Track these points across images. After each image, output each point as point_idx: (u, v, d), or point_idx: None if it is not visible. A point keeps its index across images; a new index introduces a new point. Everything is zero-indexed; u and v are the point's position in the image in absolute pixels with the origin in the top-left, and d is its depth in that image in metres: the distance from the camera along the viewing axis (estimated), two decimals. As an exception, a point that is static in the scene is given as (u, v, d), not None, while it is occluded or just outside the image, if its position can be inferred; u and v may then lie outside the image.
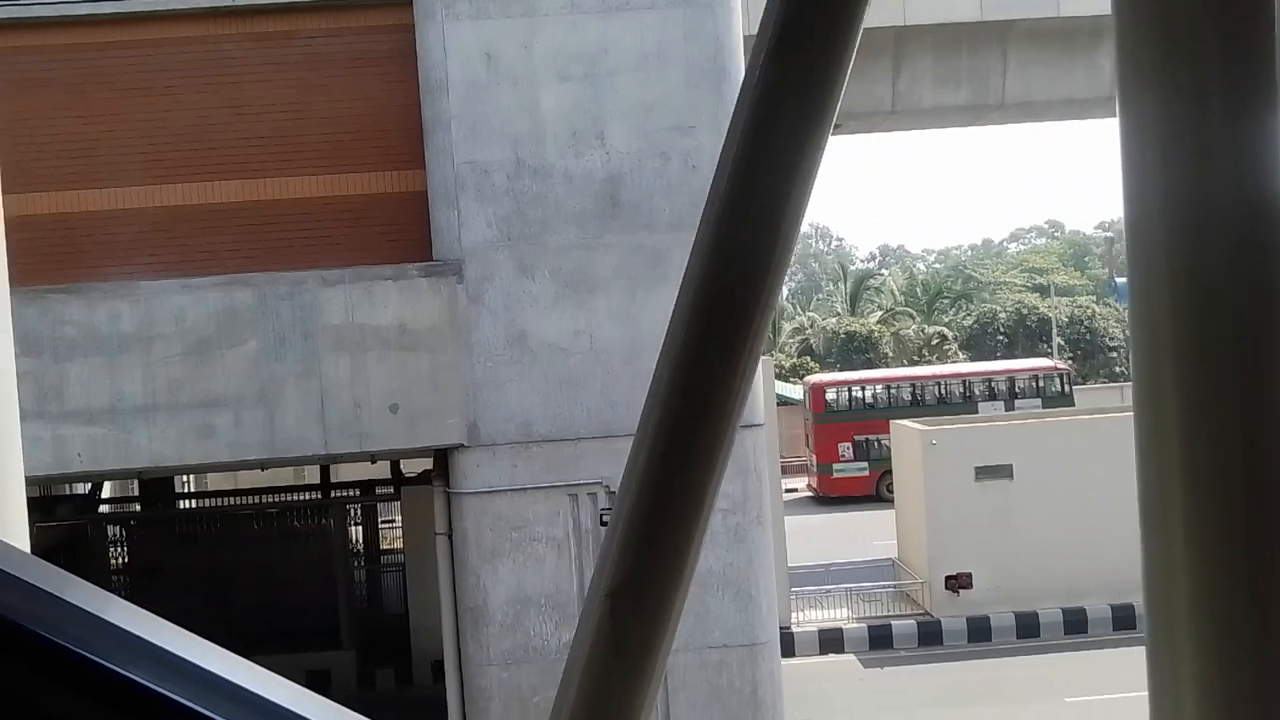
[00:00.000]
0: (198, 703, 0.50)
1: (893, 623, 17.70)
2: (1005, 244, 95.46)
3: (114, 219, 7.96)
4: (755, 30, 0.60)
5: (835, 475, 28.33)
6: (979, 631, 17.58)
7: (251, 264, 7.94)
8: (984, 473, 17.61)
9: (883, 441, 28.21)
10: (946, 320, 47.60)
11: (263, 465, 7.96)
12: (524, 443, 7.80)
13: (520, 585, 7.79)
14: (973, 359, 42.12)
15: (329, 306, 7.71)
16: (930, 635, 17.56)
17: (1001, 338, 43.20)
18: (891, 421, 20.99)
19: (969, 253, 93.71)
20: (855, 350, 41.92)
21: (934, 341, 43.77)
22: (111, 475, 7.81)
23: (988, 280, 63.57)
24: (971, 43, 23.11)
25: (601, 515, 7.76)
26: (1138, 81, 0.57)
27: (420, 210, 8.04)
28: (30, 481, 8.55)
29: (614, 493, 7.79)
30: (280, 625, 16.07)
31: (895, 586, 18.61)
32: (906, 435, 18.87)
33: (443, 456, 8.43)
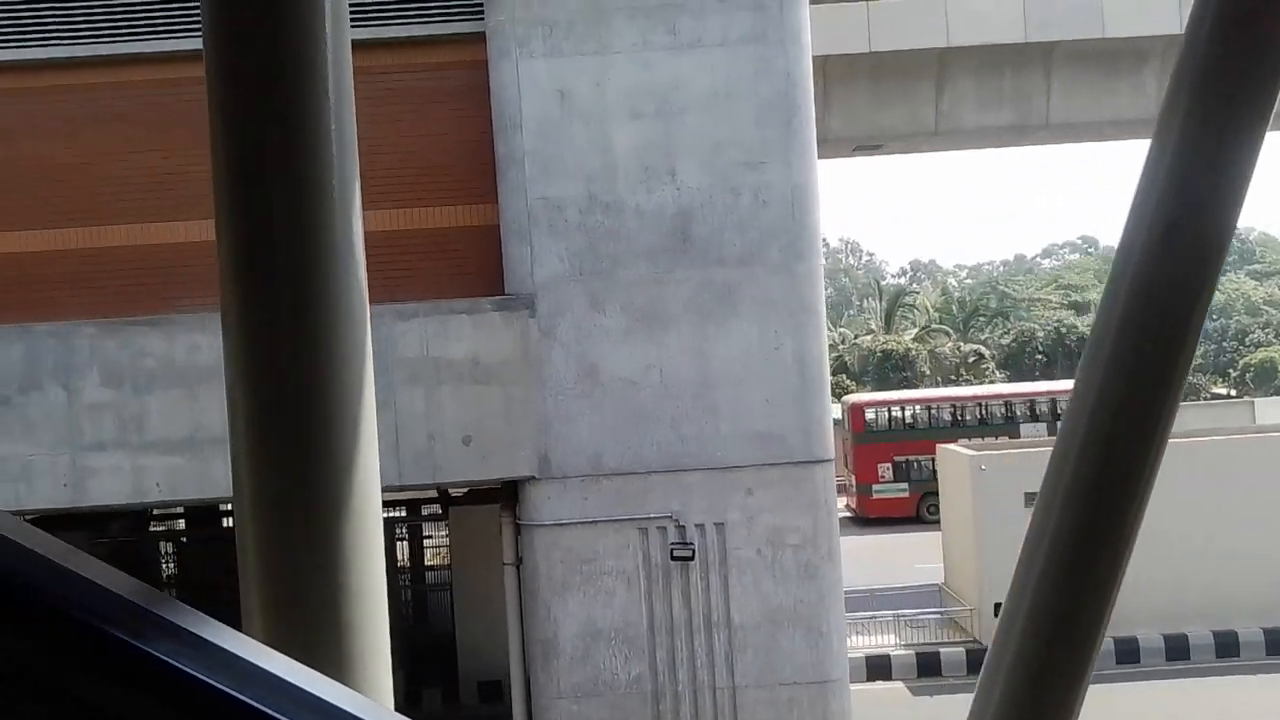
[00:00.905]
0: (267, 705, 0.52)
1: (941, 650, 17.54)
2: (1038, 259, 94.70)
3: (190, 251, 8.10)
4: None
5: (875, 496, 28.17)
6: (1028, 659, 17.36)
7: (326, 297, 8.05)
8: (1034, 499, 17.38)
9: (923, 462, 28.04)
10: (983, 338, 47.25)
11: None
12: (594, 476, 7.84)
13: (590, 618, 7.82)
14: (1010, 378, 41.78)
15: (404, 340, 7.80)
16: (979, 663, 17.32)
17: (1040, 356, 42.82)
18: (938, 446, 20.86)
19: (1001, 268, 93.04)
20: (892, 368, 41.67)
21: (971, 360, 43.48)
22: (188, 505, 7.92)
23: (1022, 297, 63.07)
24: (1015, 64, 23.03)
25: (672, 549, 7.78)
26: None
27: (492, 244, 8.12)
28: (106, 510, 8.66)
29: (683, 526, 7.82)
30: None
31: (943, 613, 18.45)
32: (954, 460, 18.74)
33: (510, 487, 8.49)
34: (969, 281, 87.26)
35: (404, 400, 7.80)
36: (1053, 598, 0.96)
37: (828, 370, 7.99)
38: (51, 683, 0.52)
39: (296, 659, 0.58)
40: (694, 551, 7.71)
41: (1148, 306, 1.03)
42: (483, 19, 7.99)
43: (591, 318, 7.86)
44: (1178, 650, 17.41)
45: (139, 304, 8.07)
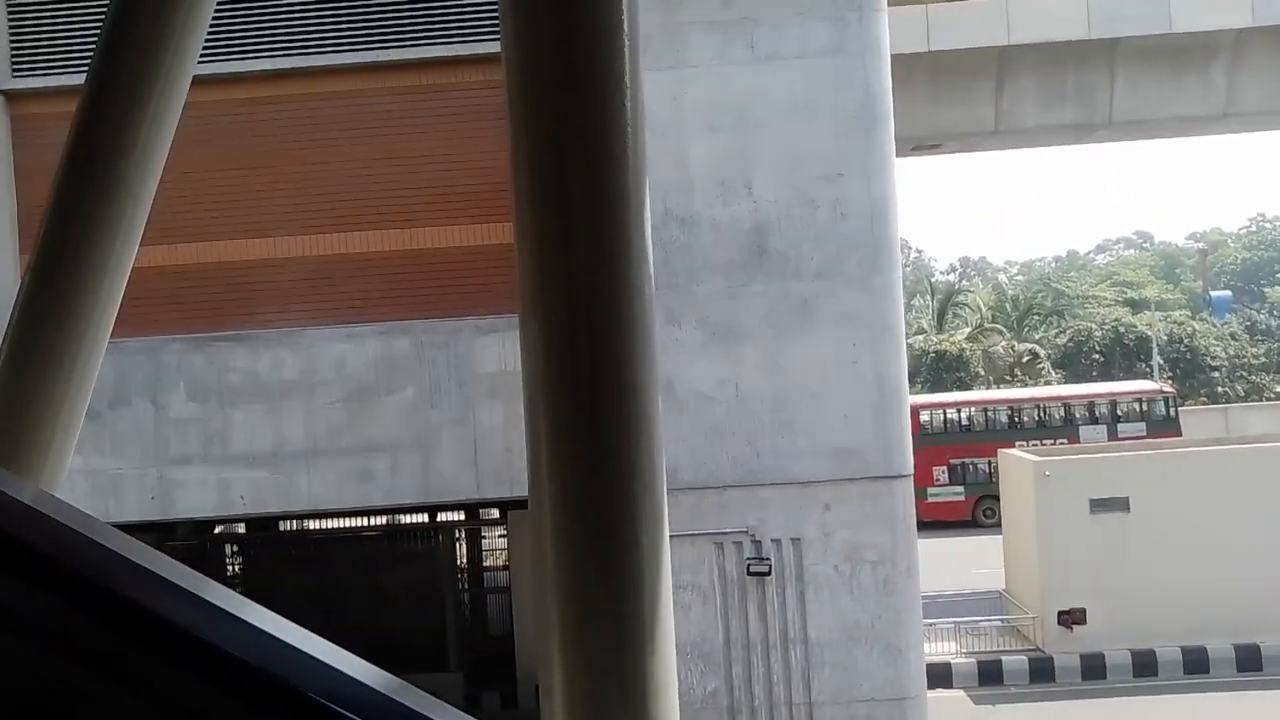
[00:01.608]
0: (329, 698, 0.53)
1: (1003, 658, 17.31)
2: (1091, 255, 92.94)
3: (274, 267, 8.24)
4: None
5: (930, 499, 27.85)
6: (1093, 669, 17.10)
7: (406, 311, 8.15)
8: (1099, 505, 17.14)
9: (979, 465, 27.67)
10: (1038, 337, 46.51)
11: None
12: (670, 490, 7.80)
13: (667, 632, 7.83)
14: (1067, 378, 41.08)
15: (483, 354, 7.86)
16: (1042, 672, 17.13)
17: (1097, 356, 42.04)
18: (1000, 450, 20.57)
19: (1053, 264, 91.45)
20: (945, 369, 41.18)
21: (1025, 360, 42.81)
22: (272, 518, 8.08)
23: (1075, 294, 61.97)
24: (1078, 61, 22.62)
25: (748, 565, 7.76)
26: None
27: (567, 258, 8.15)
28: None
29: (759, 541, 7.79)
30: (388, 646, 16.39)
31: (1005, 621, 18.21)
32: (1017, 465, 18.47)
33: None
34: (1020, 278, 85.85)
35: (482, 414, 7.86)
36: None
37: (906, 385, 7.92)
38: (77, 653, 0.53)
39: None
40: (770, 567, 7.69)
41: None
42: (558, 34, 8.01)
43: (667, 332, 7.85)
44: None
45: (225, 320, 8.23)
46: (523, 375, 0.75)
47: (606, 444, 0.85)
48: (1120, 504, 17.17)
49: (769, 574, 7.70)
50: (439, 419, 7.86)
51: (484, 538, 19.76)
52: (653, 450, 0.88)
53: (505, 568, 18.56)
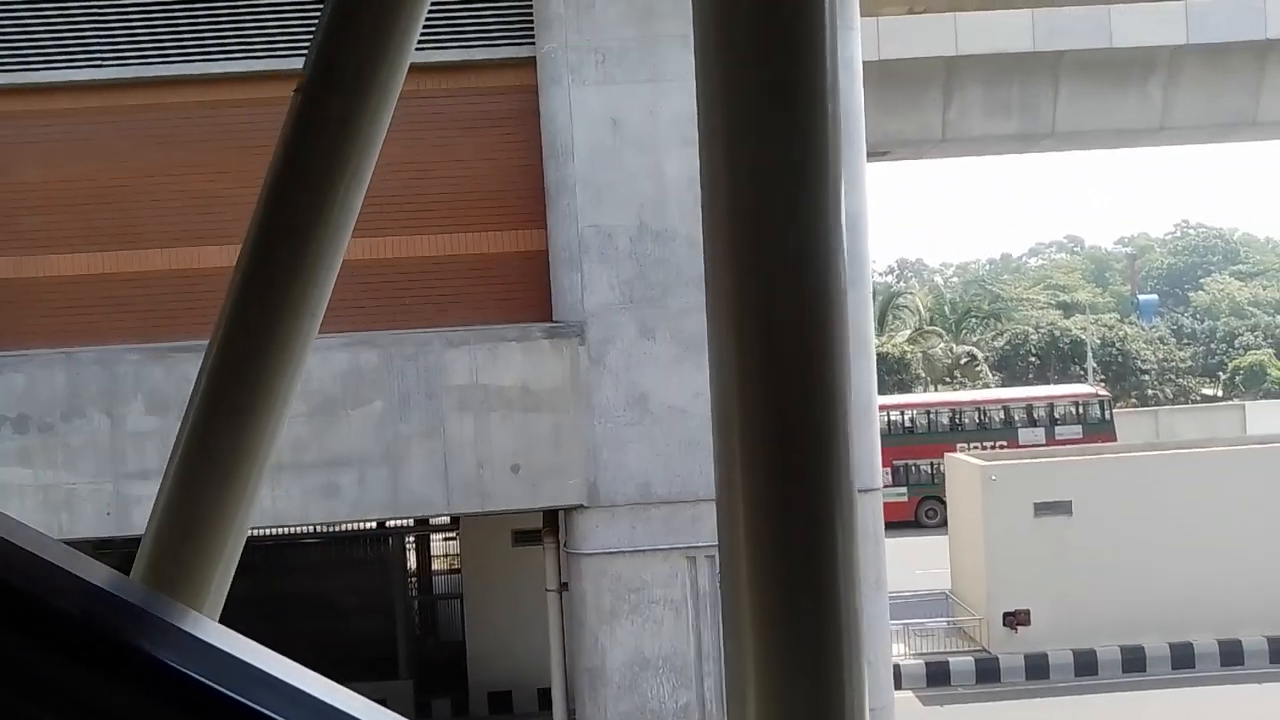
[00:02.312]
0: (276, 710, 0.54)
1: (950, 659, 17.64)
2: (1024, 259, 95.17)
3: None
4: None
5: (875, 501, 28.28)
6: (1037, 669, 17.52)
7: (373, 322, 7.99)
8: (1043, 509, 17.56)
9: (922, 466, 28.13)
10: (975, 340, 47.50)
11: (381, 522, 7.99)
12: (643, 504, 7.82)
13: (638, 647, 7.81)
14: (1004, 380, 42.00)
15: (453, 367, 7.75)
16: (988, 672, 17.49)
17: (1033, 359, 43.08)
18: (947, 455, 20.94)
19: (987, 267, 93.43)
20: (886, 371, 41.84)
21: (964, 362, 43.67)
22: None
23: (1009, 296, 63.40)
24: (1023, 73, 23.12)
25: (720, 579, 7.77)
26: None
27: (539, 270, 8.08)
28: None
29: (733, 555, 7.81)
30: (337, 654, 16.11)
31: (952, 623, 18.55)
32: (963, 469, 18.83)
33: (552, 514, 8.46)
34: (955, 280, 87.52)
35: (453, 427, 7.75)
36: None
37: (876, 399, 7.99)
38: (44, 681, 0.53)
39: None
40: (744, 581, 7.70)
41: None
42: (533, 44, 7.93)
43: (641, 345, 7.83)
44: (1183, 659, 17.58)
45: (181, 328, 7.98)
46: (713, 386, 0.72)
47: (812, 454, 0.82)
48: (1063, 507, 17.61)
49: (742, 588, 7.71)
50: (408, 432, 7.73)
51: (436, 544, 19.56)
52: (849, 456, 0.86)
53: (458, 572, 18.40)
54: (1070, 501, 17.66)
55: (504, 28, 7.98)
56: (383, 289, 8.05)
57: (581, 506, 7.83)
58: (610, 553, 7.81)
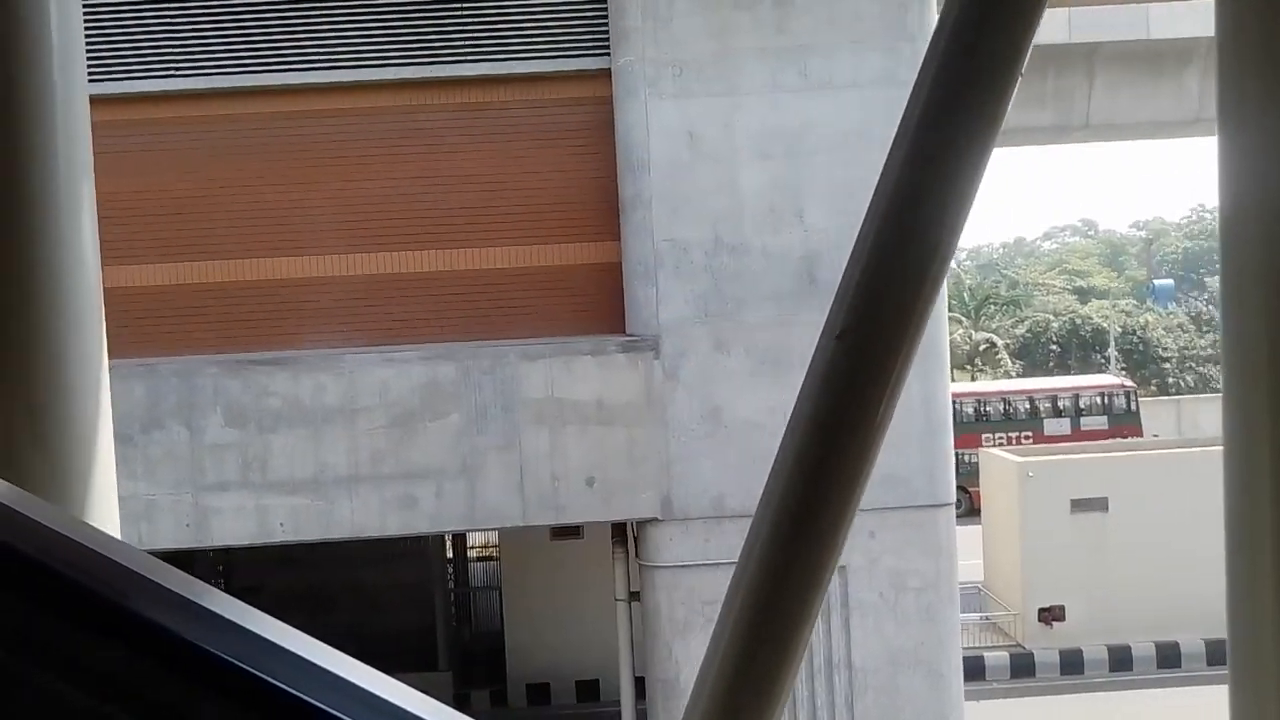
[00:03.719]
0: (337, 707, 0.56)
1: (985, 654, 17.71)
2: (1038, 243, 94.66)
3: (311, 287, 8.06)
4: None
5: (901, 491, 28.31)
6: (1072, 664, 17.58)
7: (446, 333, 8.03)
8: (1079, 505, 17.58)
9: (948, 457, 28.14)
10: (994, 327, 47.34)
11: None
12: (717, 517, 7.85)
13: (712, 659, 7.86)
14: (1025, 368, 41.90)
15: (529, 380, 7.78)
16: (1022, 667, 17.56)
17: (1054, 347, 42.95)
18: (981, 450, 20.94)
19: (1000, 251, 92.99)
20: (908, 358, 41.66)
21: (984, 349, 43.55)
22: (313, 545, 7.94)
23: (1026, 281, 63.11)
24: (1058, 64, 22.93)
25: (796, 592, 7.81)
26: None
27: (612, 282, 8.09)
28: (234, 550, 8.64)
29: (806, 568, 7.85)
30: (377, 646, 16.26)
31: (986, 618, 18.61)
32: (999, 464, 18.83)
33: (620, 525, 8.51)
34: (968, 264, 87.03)
35: (529, 441, 7.79)
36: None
37: (950, 412, 8.00)
38: (74, 659, 0.55)
39: None
40: (819, 595, 7.75)
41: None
42: (608, 55, 7.91)
43: (716, 359, 7.84)
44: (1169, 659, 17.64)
45: (258, 340, 8.03)
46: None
47: None
48: (1099, 504, 17.62)
49: (816, 601, 7.76)
50: (484, 445, 7.77)
51: (474, 536, 19.66)
52: None
53: (495, 560, 18.48)
54: (1106, 498, 17.66)
55: (578, 40, 7.96)
56: (457, 300, 8.08)
57: (655, 519, 7.87)
58: (684, 566, 7.86)
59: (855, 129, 7.75)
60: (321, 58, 7.92)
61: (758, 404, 7.82)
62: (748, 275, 7.78)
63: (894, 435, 7.34)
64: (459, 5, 7.94)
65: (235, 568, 17.61)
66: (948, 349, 7.99)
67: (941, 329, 7.92)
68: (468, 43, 8.01)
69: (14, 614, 0.55)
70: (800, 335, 7.83)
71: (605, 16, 7.89)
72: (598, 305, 8.11)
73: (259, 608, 0.64)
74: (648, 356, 7.82)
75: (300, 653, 0.59)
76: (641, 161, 7.78)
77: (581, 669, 16.62)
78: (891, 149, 1.04)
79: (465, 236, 8.06)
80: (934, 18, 7.85)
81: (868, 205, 1.11)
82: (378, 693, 0.59)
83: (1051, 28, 22.20)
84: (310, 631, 0.62)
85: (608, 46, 7.88)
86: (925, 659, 7.84)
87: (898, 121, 8.12)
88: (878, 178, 1.07)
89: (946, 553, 7.88)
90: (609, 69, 7.89)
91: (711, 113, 7.72)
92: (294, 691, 0.56)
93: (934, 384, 7.83)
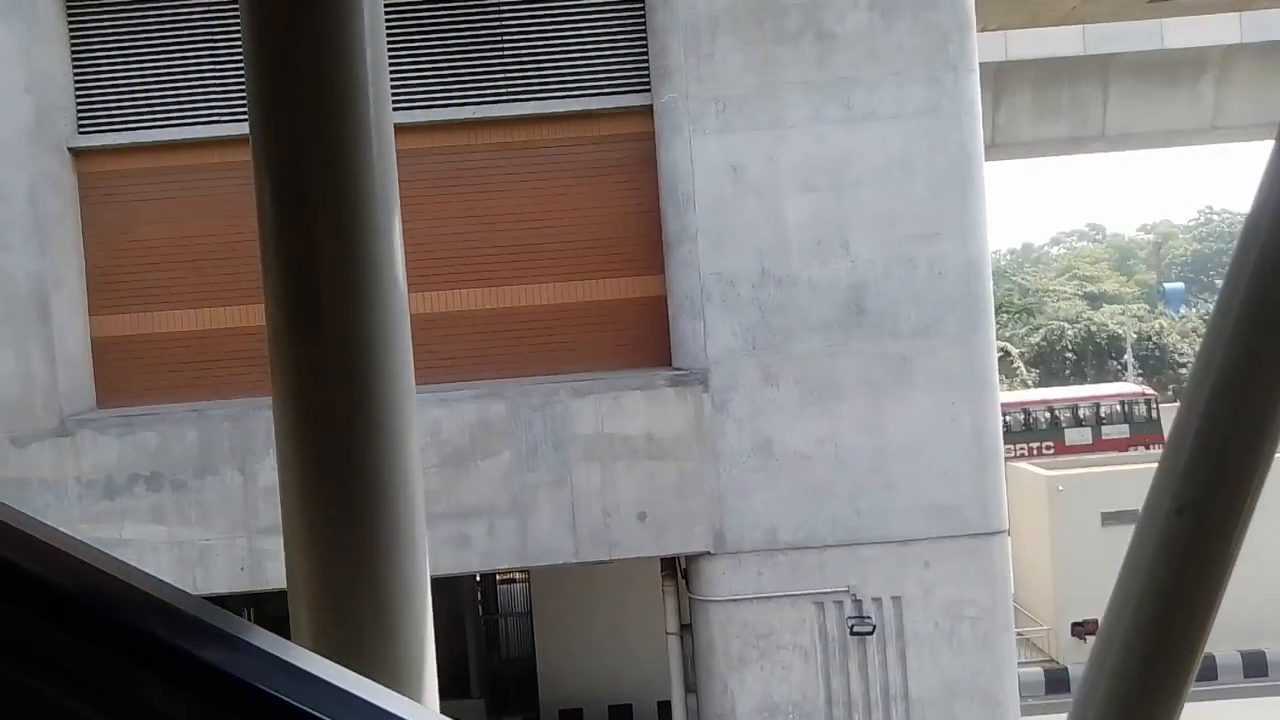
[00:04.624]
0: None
1: (1019, 670, 17.61)
2: (1046, 248, 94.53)
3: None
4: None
5: (923, 504, 28.22)
6: (1106, 679, 17.47)
7: (494, 370, 8.06)
8: (1110, 519, 17.50)
9: (969, 469, 28.05)
10: (1008, 335, 47.30)
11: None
12: (769, 550, 7.84)
13: (767, 693, 7.84)
14: (1041, 377, 41.79)
15: (579, 417, 7.79)
16: (1057, 683, 17.47)
17: (1070, 355, 42.85)
18: (1008, 464, 20.89)
19: (1009, 257, 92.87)
20: (923, 369, 41.71)
21: (999, 358, 43.53)
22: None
23: (1036, 288, 62.99)
24: (1073, 76, 22.98)
25: (851, 625, 7.80)
26: None
27: (657, 316, 8.11)
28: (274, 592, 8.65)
29: (859, 600, 7.84)
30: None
31: (1019, 634, 18.52)
32: (1028, 479, 18.78)
33: (669, 558, 8.51)
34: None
35: (580, 477, 7.79)
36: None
37: (1001, 441, 8.00)
38: (77, 679, 0.56)
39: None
40: (874, 626, 7.73)
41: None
42: (649, 92, 7.96)
43: (764, 392, 7.85)
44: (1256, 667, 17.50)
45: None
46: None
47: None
48: (1131, 517, 17.53)
49: (872, 633, 7.74)
50: (535, 482, 7.78)
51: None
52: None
53: (527, 582, 18.46)
54: (1138, 510, 17.56)
55: (620, 78, 8.00)
56: (506, 337, 8.11)
57: (708, 553, 7.87)
58: (737, 599, 7.85)
59: (899, 159, 7.77)
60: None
61: (808, 435, 7.82)
62: (794, 307, 7.80)
63: (946, 464, 7.35)
64: (502, 47, 8.00)
65: (266, 598, 17.62)
66: (997, 378, 7.99)
67: (991, 357, 7.92)
68: (511, 83, 8.06)
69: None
70: (848, 366, 7.84)
71: (646, 54, 7.94)
72: (644, 340, 8.13)
73: (286, 636, 0.66)
74: (696, 390, 7.83)
75: (311, 669, 0.60)
76: (686, 196, 7.81)
77: (615, 694, 16.58)
78: (1214, 315, 1.01)
79: (512, 274, 8.10)
80: (975, 48, 7.89)
81: (1190, 371, 1.07)
82: (389, 708, 0.60)
83: (1066, 40, 22.24)
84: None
85: (649, 83, 7.92)
86: (982, 688, 7.81)
87: (941, 151, 8.22)
88: (1198, 347, 1.04)
89: (1001, 581, 7.86)
90: (651, 105, 7.93)
91: (755, 147, 7.75)
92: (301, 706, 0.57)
93: (984, 413, 7.83)
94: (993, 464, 7.88)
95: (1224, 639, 17.29)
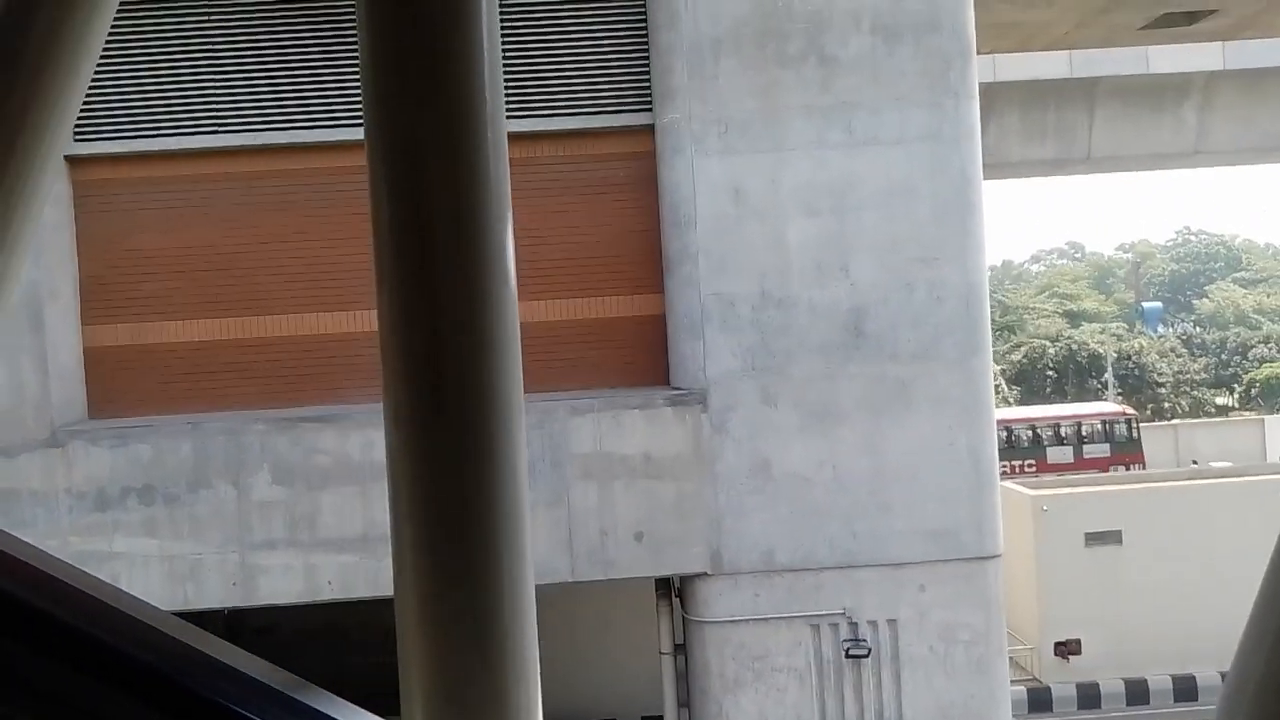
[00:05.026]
0: None
1: (1002, 689, 17.67)
2: (1026, 265, 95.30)
3: (358, 341, 8.04)
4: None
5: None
6: (1089, 698, 17.57)
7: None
8: (1094, 539, 17.62)
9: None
10: (990, 352, 47.60)
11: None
12: (766, 572, 7.84)
13: (762, 715, 7.82)
14: (1022, 395, 42.09)
15: (577, 435, 7.76)
16: (1040, 702, 17.54)
17: (1051, 373, 43.18)
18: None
19: (989, 273, 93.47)
20: (906, 385, 41.92)
21: (980, 375, 43.82)
22: (361, 603, 7.88)
23: (1016, 305, 63.44)
24: (1059, 99, 23.22)
25: (847, 648, 7.80)
26: None
27: (656, 336, 8.11)
28: (295, 614, 8.55)
29: (855, 623, 7.84)
30: (396, 686, 16.07)
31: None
32: (1013, 498, 18.86)
33: (663, 579, 8.48)
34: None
35: (577, 496, 7.76)
36: None
37: (997, 464, 8.04)
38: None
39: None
40: (870, 649, 7.73)
41: None
42: (649, 111, 7.97)
43: (763, 413, 7.85)
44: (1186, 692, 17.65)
45: (304, 395, 8.00)
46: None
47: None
48: (1114, 537, 17.67)
49: (868, 656, 7.75)
50: (533, 500, 7.71)
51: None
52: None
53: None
54: (1121, 531, 17.72)
55: (622, 96, 8.01)
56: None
57: (705, 574, 7.85)
58: (733, 621, 7.83)
59: (900, 184, 7.81)
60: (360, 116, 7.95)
61: (807, 457, 7.83)
62: (795, 329, 7.81)
63: (942, 489, 7.35)
64: (504, 63, 7.98)
65: (246, 609, 17.41)
66: (993, 402, 8.03)
67: (987, 381, 7.96)
68: (513, 99, 8.04)
69: None
70: (847, 388, 7.86)
71: (648, 74, 7.96)
72: (642, 359, 8.12)
73: (274, 648, 0.70)
74: (695, 410, 7.83)
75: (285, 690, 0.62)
76: (688, 217, 7.82)
77: (610, 708, 16.50)
78: None
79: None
80: (975, 74, 7.95)
81: None
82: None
83: (1052, 64, 22.46)
84: (330, 672, 0.70)
85: (651, 103, 7.94)
86: (976, 712, 7.82)
87: (942, 176, 8.29)
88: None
89: (996, 605, 7.88)
90: (653, 125, 7.95)
91: (757, 169, 7.77)
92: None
93: (981, 437, 7.86)
94: (989, 488, 7.92)
95: (1156, 664, 17.41)
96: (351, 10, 0.82)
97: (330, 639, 16.27)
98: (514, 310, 0.87)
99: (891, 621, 7.82)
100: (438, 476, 0.82)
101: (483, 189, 0.77)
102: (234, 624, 16.71)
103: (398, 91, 0.78)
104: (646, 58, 7.99)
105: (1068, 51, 22.32)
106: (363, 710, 0.65)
